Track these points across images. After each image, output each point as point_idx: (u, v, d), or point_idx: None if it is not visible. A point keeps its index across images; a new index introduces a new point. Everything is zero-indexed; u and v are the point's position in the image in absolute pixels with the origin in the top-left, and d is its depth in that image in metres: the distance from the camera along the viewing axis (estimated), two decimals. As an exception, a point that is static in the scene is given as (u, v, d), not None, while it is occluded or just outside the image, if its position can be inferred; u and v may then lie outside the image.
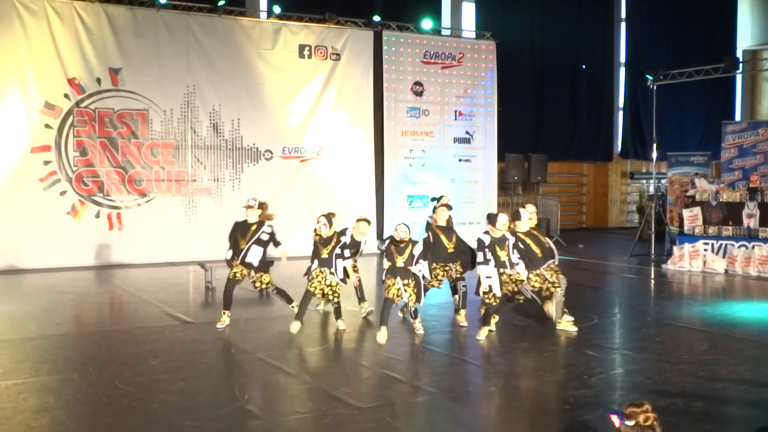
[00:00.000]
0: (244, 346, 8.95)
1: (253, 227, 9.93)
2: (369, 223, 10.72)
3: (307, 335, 9.46)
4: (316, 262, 9.57)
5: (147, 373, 7.68)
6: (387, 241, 9.38)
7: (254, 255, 9.90)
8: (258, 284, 10.03)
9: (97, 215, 16.08)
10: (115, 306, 12.28)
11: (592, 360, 8.25)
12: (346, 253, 9.84)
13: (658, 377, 7.55)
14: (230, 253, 10.01)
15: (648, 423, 3.43)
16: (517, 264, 9.30)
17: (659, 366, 7.96)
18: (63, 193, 15.74)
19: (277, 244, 10.07)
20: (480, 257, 9.29)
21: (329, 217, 9.69)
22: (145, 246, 16.20)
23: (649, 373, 7.75)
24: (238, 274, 9.91)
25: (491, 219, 9.41)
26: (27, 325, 10.02)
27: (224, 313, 9.91)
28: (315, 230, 9.58)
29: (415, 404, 6.83)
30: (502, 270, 9.23)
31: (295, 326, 9.39)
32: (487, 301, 9.25)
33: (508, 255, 9.26)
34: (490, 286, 9.16)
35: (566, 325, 9.63)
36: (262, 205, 10.15)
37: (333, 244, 9.54)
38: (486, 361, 8.42)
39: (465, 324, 9.92)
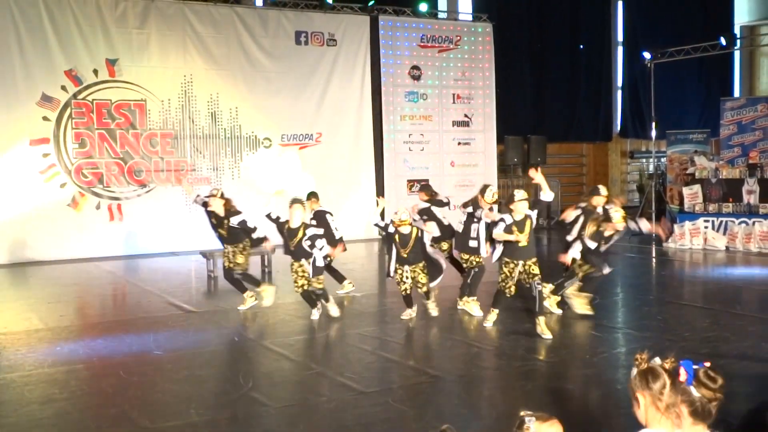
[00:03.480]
0: (247, 334, 8.98)
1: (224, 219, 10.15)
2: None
3: (310, 322, 9.47)
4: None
5: (151, 363, 7.70)
6: (388, 227, 9.33)
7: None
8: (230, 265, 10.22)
9: (98, 206, 16.09)
10: (117, 297, 12.31)
11: (595, 340, 8.28)
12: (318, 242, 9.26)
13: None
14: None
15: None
16: None
17: (661, 344, 7.97)
18: (63, 185, 15.74)
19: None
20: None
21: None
22: (146, 236, 16.23)
23: (652, 351, 7.75)
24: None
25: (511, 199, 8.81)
26: (31, 318, 10.05)
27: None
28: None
29: (419, 387, 6.85)
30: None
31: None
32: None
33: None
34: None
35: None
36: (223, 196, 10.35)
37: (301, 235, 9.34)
38: (489, 344, 8.43)
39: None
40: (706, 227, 15.70)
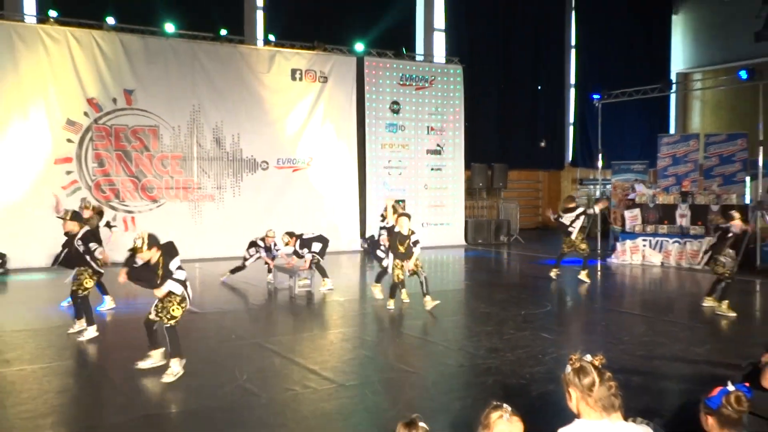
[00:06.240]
0: (243, 333, 8.91)
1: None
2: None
3: (300, 321, 9.43)
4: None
5: (157, 357, 7.60)
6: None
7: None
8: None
9: (114, 219, 15.94)
10: (129, 299, 12.17)
11: (546, 341, 8.28)
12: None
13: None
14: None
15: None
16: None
17: (604, 346, 8.00)
18: (83, 199, 15.56)
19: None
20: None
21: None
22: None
23: (595, 352, 7.75)
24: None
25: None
26: (52, 317, 9.93)
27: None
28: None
29: (392, 381, 6.82)
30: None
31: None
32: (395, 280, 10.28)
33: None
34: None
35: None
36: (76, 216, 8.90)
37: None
38: (454, 343, 8.42)
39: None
40: (644, 246, 15.80)
